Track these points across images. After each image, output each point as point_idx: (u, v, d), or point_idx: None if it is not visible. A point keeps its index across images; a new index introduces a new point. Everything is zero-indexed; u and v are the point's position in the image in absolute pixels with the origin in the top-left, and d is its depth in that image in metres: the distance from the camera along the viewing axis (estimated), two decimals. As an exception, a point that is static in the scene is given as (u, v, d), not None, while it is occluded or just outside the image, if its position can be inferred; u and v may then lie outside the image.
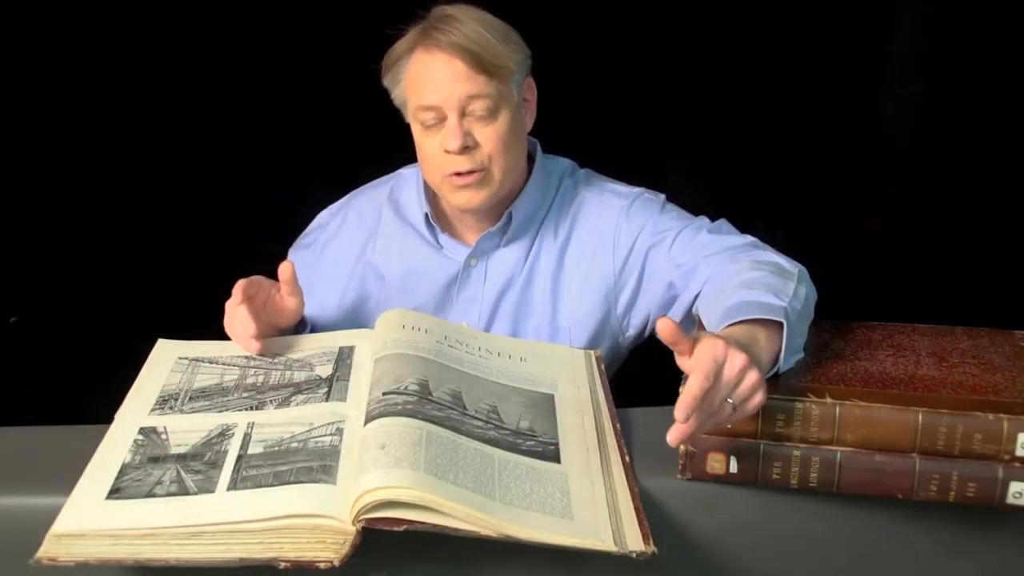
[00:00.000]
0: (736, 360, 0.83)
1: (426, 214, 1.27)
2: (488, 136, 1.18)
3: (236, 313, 1.08)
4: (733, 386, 0.83)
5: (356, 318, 1.28)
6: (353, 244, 1.31)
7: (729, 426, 0.87)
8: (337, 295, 1.29)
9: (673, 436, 0.82)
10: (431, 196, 1.29)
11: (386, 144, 1.36)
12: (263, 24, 2.24)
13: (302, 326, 1.21)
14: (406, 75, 1.20)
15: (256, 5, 2.21)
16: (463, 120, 1.17)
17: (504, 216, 1.25)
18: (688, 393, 0.80)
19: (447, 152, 1.17)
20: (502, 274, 1.27)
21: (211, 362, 1.07)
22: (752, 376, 0.83)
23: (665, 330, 0.82)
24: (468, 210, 1.24)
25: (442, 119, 1.17)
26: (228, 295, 1.09)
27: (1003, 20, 1.91)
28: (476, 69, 1.15)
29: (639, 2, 2.13)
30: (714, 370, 0.81)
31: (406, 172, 1.34)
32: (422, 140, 1.21)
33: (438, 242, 1.29)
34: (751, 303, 0.96)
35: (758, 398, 0.84)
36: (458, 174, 1.18)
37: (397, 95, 1.23)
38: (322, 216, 1.37)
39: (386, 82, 1.23)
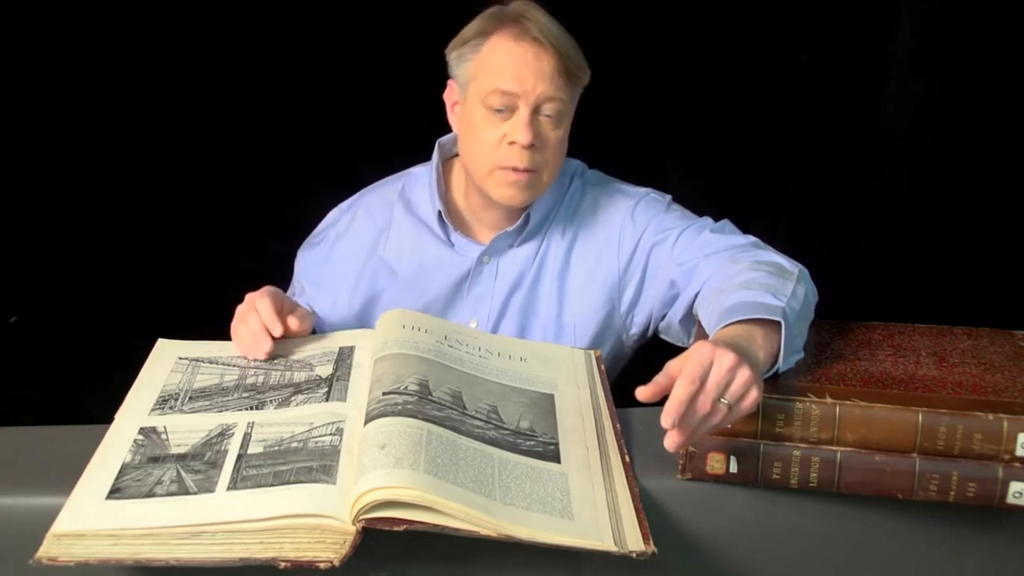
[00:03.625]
0: (724, 360, 0.83)
1: (439, 212, 1.27)
2: (551, 140, 1.18)
3: (249, 321, 1.07)
4: (724, 386, 0.83)
5: (367, 314, 1.28)
6: (364, 241, 1.31)
7: (728, 426, 0.87)
8: (348, 291, 1.30)
9: (669, 442, 0.82)
10: (444, 194, 1.29)
11: (386, 145, 1.36)
12: (264, 25, 2.24)
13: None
14: (481, 55, 1.18)
15: (257, 6, 2.21)
16: (534, 117, 1.16)
17: (522, 217, 1.25)
18: (673, 398, 0.80)
19: (511, 144, 1.16)
20: (513, 272, 1.27)
21: (211, 362, 1.07)
22: (743, 374, 0.83)
23: (645, 395, 0.82)
24: (507, 206, 1.23)
25: (511, 110, 1.16)
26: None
27: (1003, 20, 1.91)
28: (561, 71, 1.15)
29: (641, 3, 2.13)
30: (700, 374, 0.81)
31: (417, 171, 1.35)
32: (483, 126, 1.18)
33: (450, 240, 1.29)
34: (748, 303, 0.96)
35: (752, 396, 0.84)
36: (514, 168, 1.18)
37: (462, 72, 1.20)
38: (332, 214, 1.37)
39: (452, 57, 1.21)
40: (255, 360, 1.07)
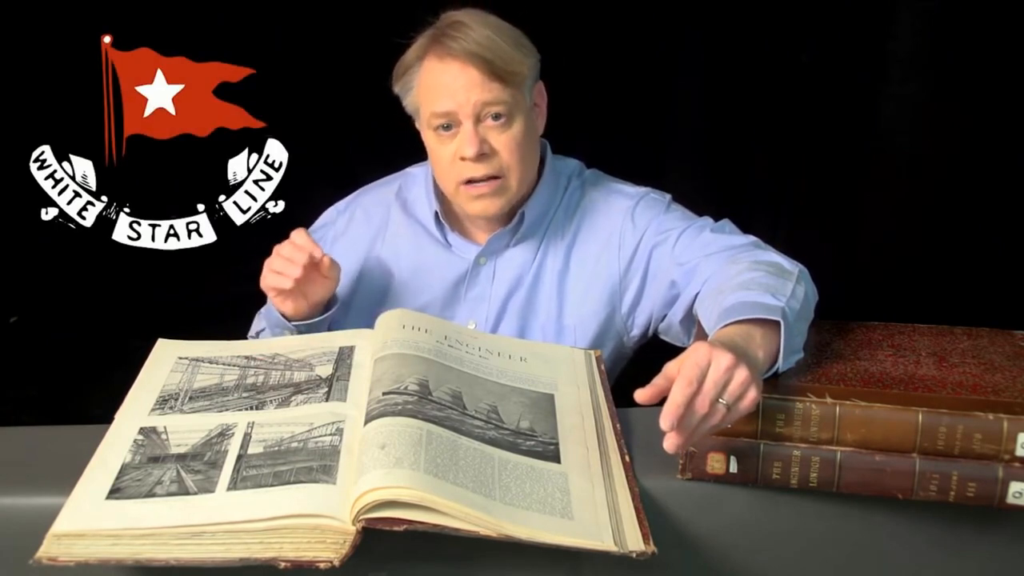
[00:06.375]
0: (721, 360, 0.83)
1: (436, 212, 1.27)
2: (504, 143, 1.18)
3: (284, 248, 1.12)
4: (722, 386, 0.83)
5: (364, 315, 1.28)
6: (361, 241, 1.32)
7: (728, 426, 0.87)
8: (345, 291, 1.30)
9: (669, 444, 0.82)
10: (441, 194, 1.29)
11: (385, 145, 1.36)
12: (264, 25, 2.24)
13: (330, 306, 1.22)
14: (418, 83, 1.20)
15: (257, 6, 2.21)
16: (478, 127, 1.17)
17: (517, 217, 1.25)
18: (671, 401, 0.80)
19: (463, 159, 1.18)
20: (510, 274, 1.27)
21: (211, 362, 1.07)
22: (741, 374, 0.83)
23: (644, 398, 0.82)
24: (484, 217, 1.24)
25: (456, 126, 1.18)
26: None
27: (1003, 20, 1.91)
28: (490, 76, 1.15)
29: (641, 3, 2.13)
30: (697, 375, 0.81)
31: (414, 171, 1.35)
32: (436, 148, 1.21)
33: (447, 240, 1.29)
34: (747, 303, 0.96)
35: (751, 395, 0.84)
36: (472, 181, 1.19)
37: (409, 103, 1.23)
38: (328, 213, 1.37)
39: (397, 90, 1.24)
40: (254, 358, 1.07)
